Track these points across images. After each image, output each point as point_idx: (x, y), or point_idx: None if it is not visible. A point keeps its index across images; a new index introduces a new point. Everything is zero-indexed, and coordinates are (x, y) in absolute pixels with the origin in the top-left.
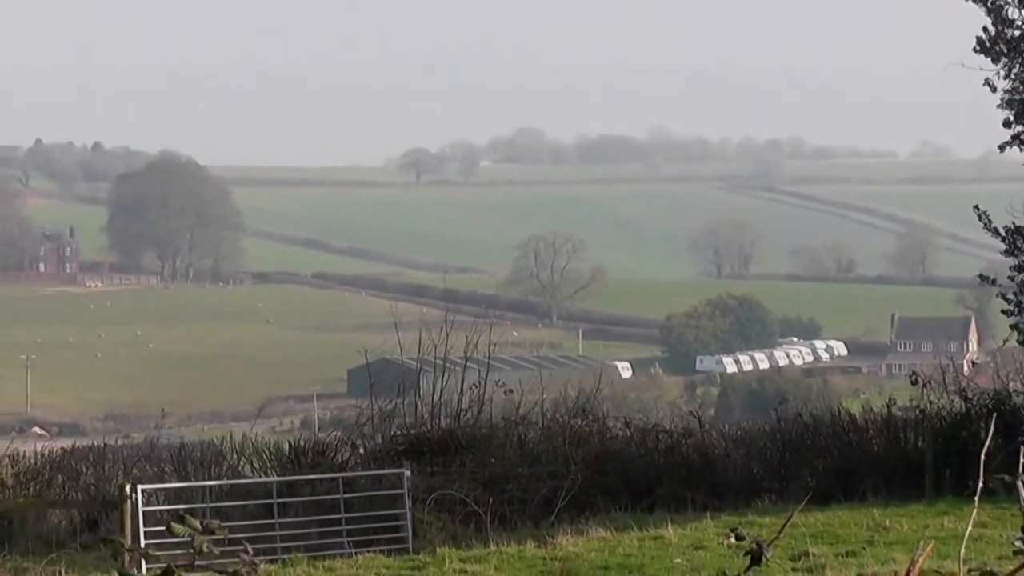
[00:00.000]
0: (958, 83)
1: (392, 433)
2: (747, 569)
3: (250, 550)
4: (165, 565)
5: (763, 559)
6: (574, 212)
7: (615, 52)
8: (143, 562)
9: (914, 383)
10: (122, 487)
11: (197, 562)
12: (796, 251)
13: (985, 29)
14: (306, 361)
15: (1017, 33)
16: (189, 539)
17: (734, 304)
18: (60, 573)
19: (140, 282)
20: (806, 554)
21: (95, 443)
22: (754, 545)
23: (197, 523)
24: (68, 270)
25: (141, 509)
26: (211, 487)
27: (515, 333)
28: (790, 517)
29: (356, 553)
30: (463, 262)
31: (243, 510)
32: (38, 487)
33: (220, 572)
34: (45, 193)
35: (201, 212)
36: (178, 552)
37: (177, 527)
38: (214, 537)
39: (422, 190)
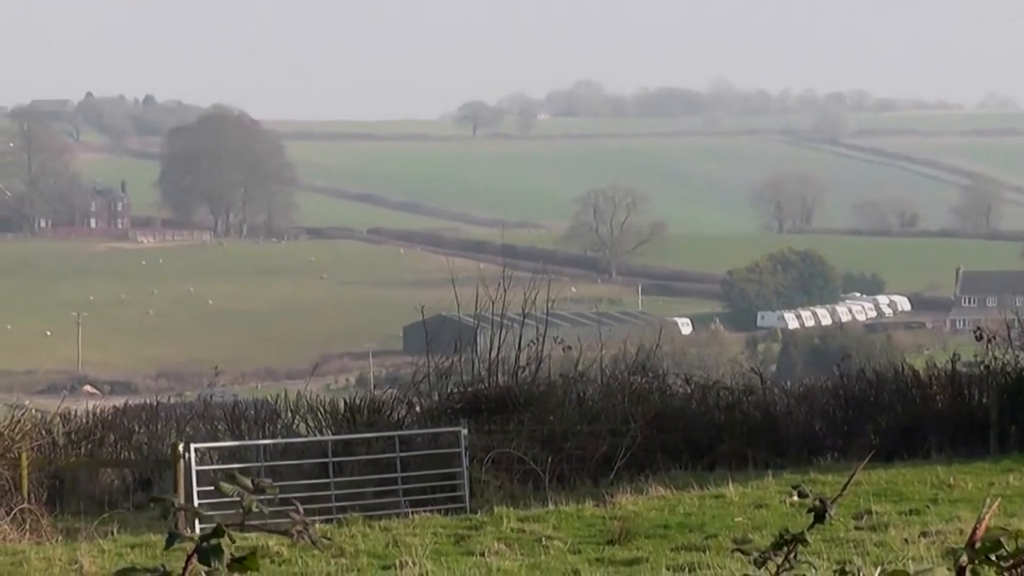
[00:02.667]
0: None
1: (449, 391)
2: (810, 527)
3: (301, 509)
4: (216, 525)
5: (827, 517)
6: (633, 166)
7: (675, 4)
8: (196, 521)
9: (979, 338)
10: (175, 446)
11: (248, 522)
12: (859, 205)
13: None
14: (361, 318)
15: None
16: (240, 498)
17: (796, 259)
18: (112, 533)
19: (193, 238)
20: (869, 512)
21: (147, 401)
22: (817, 502)
23: (248, 481)
24: (119, 226)
25: (194, 468)
26: (265, 446)
27: (574, 289)
28: (853, 474)
29: (412, 513)
30: (521, 217)
31: (298, 469)
32: (90, 446)
33: (271, 532)
34: (96, 147)
35: (254, 167)
36: (232, 512)
37: (226, 486)
38: (265, 496)
39: (479, 144)
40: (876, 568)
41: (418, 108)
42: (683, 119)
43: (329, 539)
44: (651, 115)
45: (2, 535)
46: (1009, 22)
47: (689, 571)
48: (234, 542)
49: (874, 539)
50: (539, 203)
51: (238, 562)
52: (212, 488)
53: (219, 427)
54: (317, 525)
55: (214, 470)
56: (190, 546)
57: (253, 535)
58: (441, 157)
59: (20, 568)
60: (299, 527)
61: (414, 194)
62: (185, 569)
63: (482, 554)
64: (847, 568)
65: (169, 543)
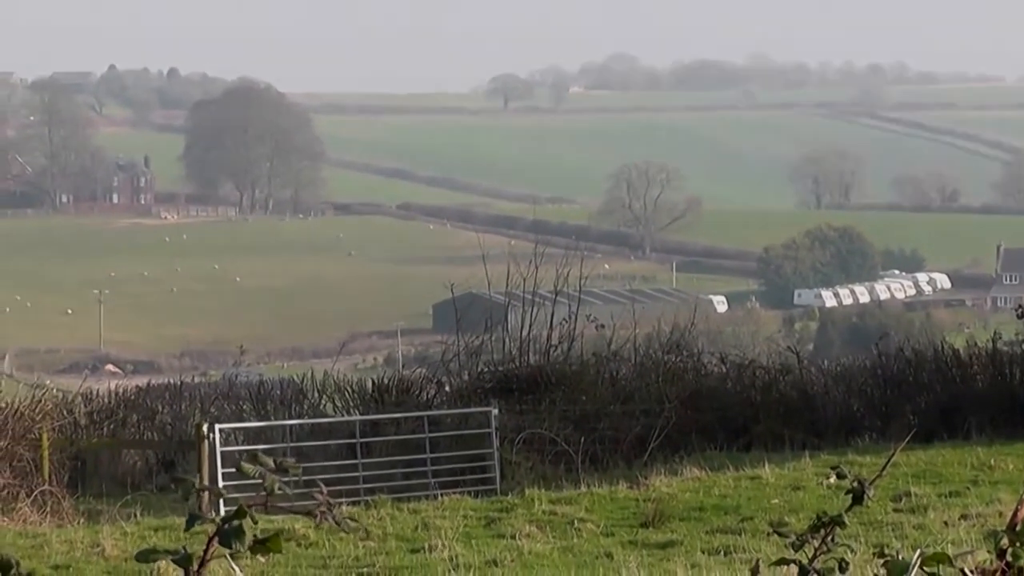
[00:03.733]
0: None
1: (479, 370)
2: (848, 509)
3: (325, 490)
4: (238, 506)
5: (865, 499)
6: (668, 140)
7: None
8: (220, 503)
9: (1020, 316)
10: (199, 426)
11: (271, 503)
12: (898, 180)
13: None
14: (390, 295)
15: None
16: (262, 479)
17: (834, 235)
18: (135, 515)
19: (218, 214)
20: (908, 494)
21: (171, 381)
22: (855, 484)
23: (271, 462)
24: (143, 201)
25: (219, 449)
26: (291, 426)
27: (607, 266)
28: (892, 456)
29: (442, 494)
30: (553, 192)
31: (325, 450)
32: (112, 427)
33: (295, 513)
34: (119, 121)
35: (281, 141)
36: (256, 494)
37: (248, 467)
38: (289, 478)
39: (510, 117)
40: (915, 551)
41: (449, 81)
42: (719, 93)
43: (355, 520)
44: (686, 88)
45: (23, 518)
46: None
47: (724, 554)
48: (257, 524)
49: (913, 522)
50: (572, 178)
51: (260, 544)
52: (237, 469)
53: (244, 407)
54: (344, 507)
55: (239, 451)
56: (212, 528)
57: (278, 517)
58: (472, 131)
59: (41, 551)
60: (323, 508)
61: (444, 169)
62: (206, 551)
63: (513, 537)
64: (885, 551)
65: (189, 524)
